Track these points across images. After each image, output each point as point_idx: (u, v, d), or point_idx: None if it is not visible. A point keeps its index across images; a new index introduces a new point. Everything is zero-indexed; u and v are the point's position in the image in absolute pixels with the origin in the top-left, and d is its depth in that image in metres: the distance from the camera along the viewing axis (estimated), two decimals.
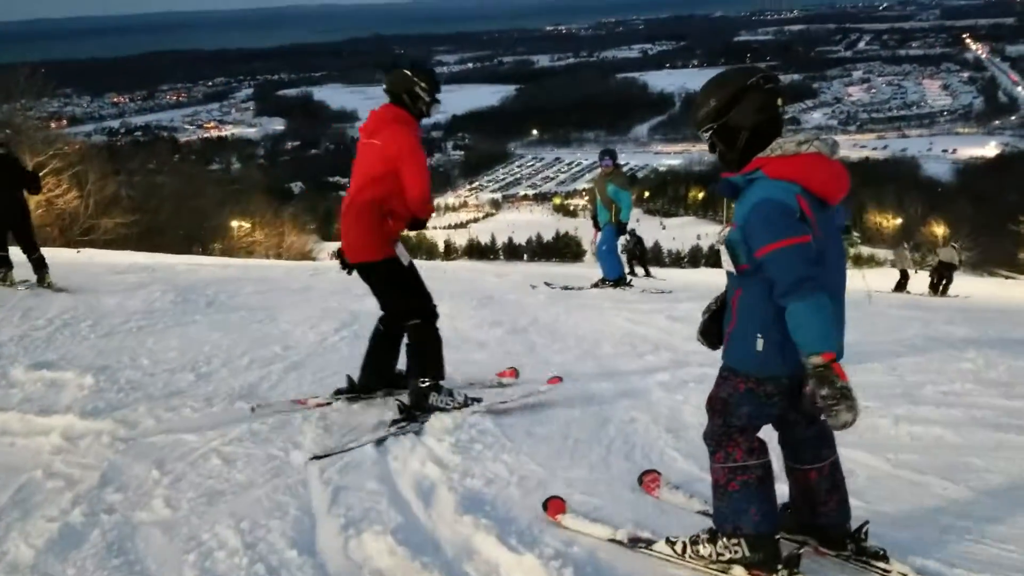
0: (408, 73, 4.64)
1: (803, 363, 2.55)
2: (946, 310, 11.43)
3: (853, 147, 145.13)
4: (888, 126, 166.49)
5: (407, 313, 4.84)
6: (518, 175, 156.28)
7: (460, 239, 78.52)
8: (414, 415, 4.54)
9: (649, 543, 3.14)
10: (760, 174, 2.66)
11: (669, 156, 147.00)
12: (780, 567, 2.78)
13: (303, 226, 56.04)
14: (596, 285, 11.66)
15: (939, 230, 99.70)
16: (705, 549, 2.93)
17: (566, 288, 11.69)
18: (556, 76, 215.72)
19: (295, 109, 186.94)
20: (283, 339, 6.68)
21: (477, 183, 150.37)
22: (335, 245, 48.03)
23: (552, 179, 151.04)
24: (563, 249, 68.84)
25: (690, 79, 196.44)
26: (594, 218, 11.91)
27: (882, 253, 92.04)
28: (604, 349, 6.63)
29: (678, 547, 3.03)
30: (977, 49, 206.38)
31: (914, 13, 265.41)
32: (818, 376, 2.51)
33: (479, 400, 4.86)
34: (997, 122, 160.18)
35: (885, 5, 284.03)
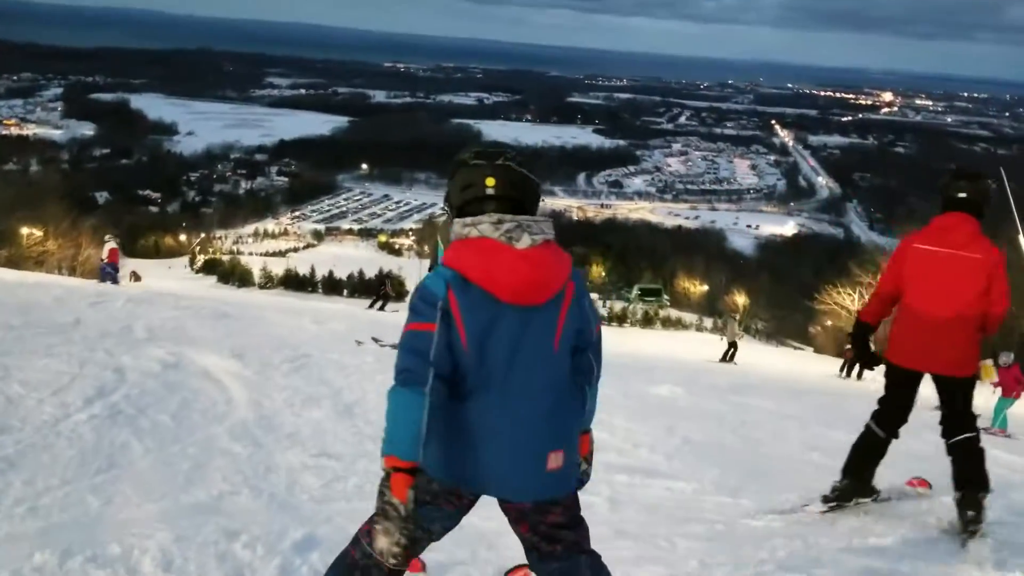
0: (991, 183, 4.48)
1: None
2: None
3: (668, 215, 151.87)
4: (701, 198, 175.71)
5: (965, 426, 4.35)
6: (344, 208, 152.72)
7: (278, 268, 74.87)
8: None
9: None
10: None
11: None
12: None
13: (103, 239, 51.10)
14: None
15: (740, 299, 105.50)
16: None
17: (396, 347, 10.08)
18: (391, 113, 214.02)
19: (108, 115, 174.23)
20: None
21: (300, 212, 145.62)
22: (137, 263, 44.03)
23: (379, 216, 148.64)
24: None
25: (523, 132, 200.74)
26: (431, 269, 10.42)
27: (688, 317, 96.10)
28: None
29: None
30: (784, 135, 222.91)
31: (731, 95, 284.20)
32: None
33: None
34: (796, 204, 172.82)
35: (705, 84, 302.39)
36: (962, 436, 4.33)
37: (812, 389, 14.80)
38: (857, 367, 20.02)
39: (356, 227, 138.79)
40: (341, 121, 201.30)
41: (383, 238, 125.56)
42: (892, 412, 4.47)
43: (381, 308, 24.20)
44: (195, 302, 13.91)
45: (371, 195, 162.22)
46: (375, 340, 10.34)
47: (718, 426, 7.15)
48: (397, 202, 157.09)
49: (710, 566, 3.62)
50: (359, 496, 4.08)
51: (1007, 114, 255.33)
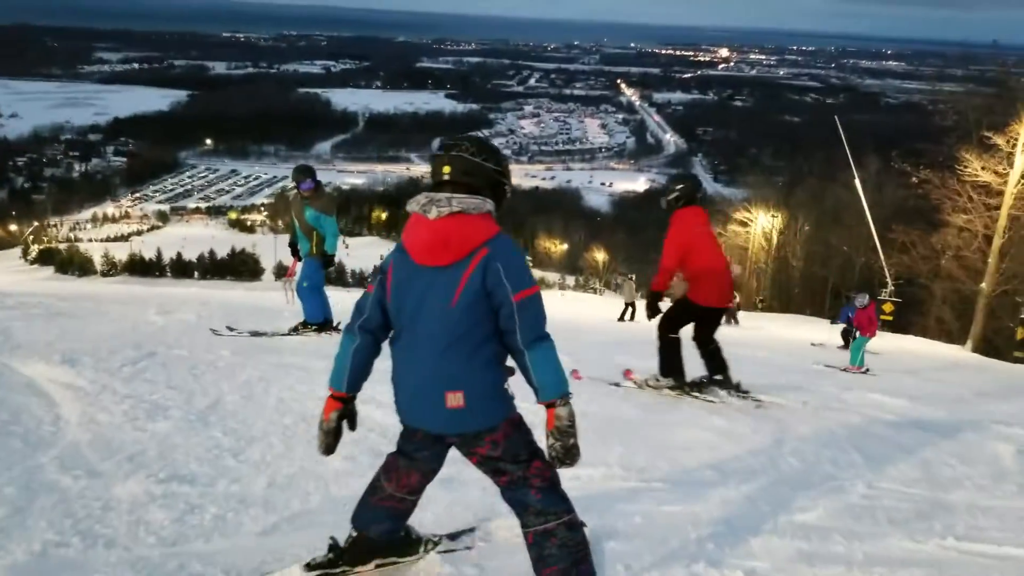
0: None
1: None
2: None
3: (525, 176, 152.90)
4: (555, 159, 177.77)
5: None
6: (189, 186, 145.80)
7: (121, 253, 70.52)
8: None
9: None
10: None
11: (352, 175, 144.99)
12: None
13: None
14: (295, 330, 9.37)
15: (600, 256, 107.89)
16: None
17: (256, 334, 9.27)
18: (233, 85, 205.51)
19: None
20: None
21: (141, 193, 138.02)
22: None
23: (227, 192, 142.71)
24: (239, 267, 63.89)
25: (374, 100, 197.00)
26: (292, 247, 9.63)
27: (550, 276, 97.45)
28: (331, 461, 4.42)
29: None
30: (630, 94, 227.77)
31: (577, 56, 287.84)
32: None
33: None
34: (645, 160, 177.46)
35: (552, 46, 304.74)
36: (716, 344, 6.85)
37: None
38: (630, 312, 24.78)
39: (204, 205, 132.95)
40: (179, 95, 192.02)
41: (233, 215, 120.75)
42: (678, 326, 6.74)
43: None
44: (24, 299, 12.52)
45: (217, 171, 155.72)
46: (230, 329, 9.47)
47: (612, 395, 6.77)
48: (246, 177, 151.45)
49: (637, 572, 3.19)
50: (219, 531, 3.42)
51: (833, 65, 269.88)
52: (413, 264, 2.72)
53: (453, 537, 3.36)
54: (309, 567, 3.00)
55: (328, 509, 3.70)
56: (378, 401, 5.73)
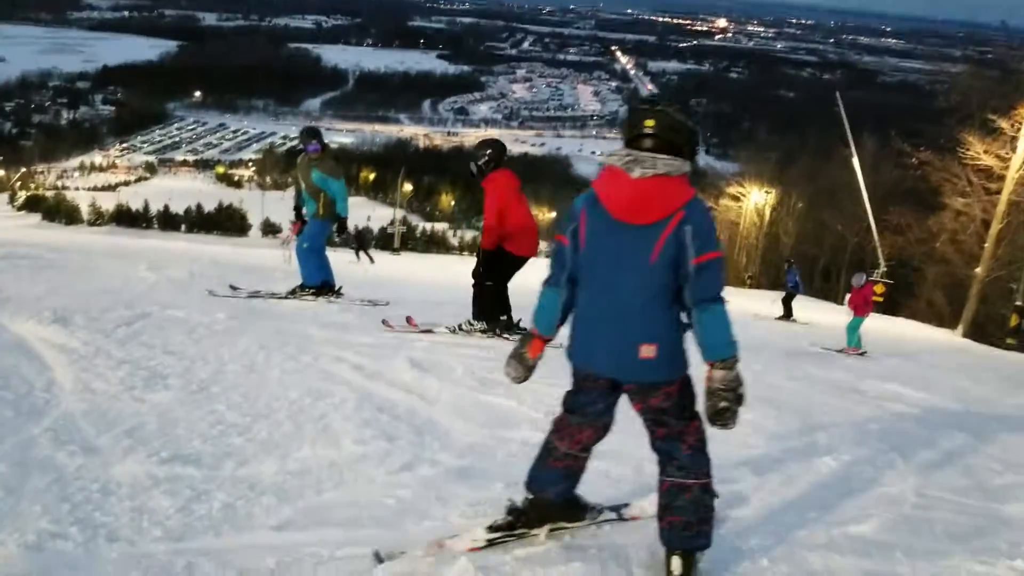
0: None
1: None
2: None
3: (515, 141, 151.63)
4: (546, 125, 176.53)
5: None
6: (177, 138, 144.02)
7: (108, 203, 69.52)
8: None
9: None
10: None
11: (342, 134, 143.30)
12: None
13: None
14: (293, 292, 9.06)
15: None
16: None
17: (254, 295, 8.95)
18: (224, 38, 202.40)
19: None
20: None
21: (129, 143, 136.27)
22: None
23: (215, 146, 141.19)
24: (226, 222, 63.16)
25: (365, 57, 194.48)
26: (296, 210, 9.32)
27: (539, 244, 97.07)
28: (344, 445, 4.12)
29: None
30: (624, 62, 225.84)
31: (573, 21, 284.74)
32: None
33: None
34: None
35: (548, 9, 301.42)
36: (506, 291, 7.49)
37: None
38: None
39: (191, 158, 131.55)
40: (169, 45, 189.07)
41: (221, 169, 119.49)
42: (495, 275, 7.34)
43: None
44: (11, 249, 12.14)
45: (205, 124, 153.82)
46: (232, 287, 9.16)
47: None
48: (234, 131, 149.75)
49: None
50: (229, 523, 3.12)
51: (831, 40, 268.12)
52: (611, 219, 2.80)
53: (615, 508, 3.43)
54: (491, 529, 3.12)
55: (343, 502, 3.40)
56: (387, 379, 5.45)
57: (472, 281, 7.57)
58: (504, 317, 7.57)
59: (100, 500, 3.17)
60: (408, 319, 7.75)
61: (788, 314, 21.61)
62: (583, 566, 2.99)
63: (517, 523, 3.14)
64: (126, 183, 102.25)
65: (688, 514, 2.86)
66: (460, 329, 7.51)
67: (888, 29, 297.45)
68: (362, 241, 12.39)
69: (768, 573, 3.09)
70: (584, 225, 2.86)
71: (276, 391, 4.91)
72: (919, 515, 3.96)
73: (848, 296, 15.76)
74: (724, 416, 2.72)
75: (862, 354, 13.20)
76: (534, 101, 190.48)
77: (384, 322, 7.53)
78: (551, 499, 3.14)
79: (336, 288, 9.24)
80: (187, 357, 5.50)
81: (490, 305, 7.51)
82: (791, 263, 24.32)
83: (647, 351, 2.78)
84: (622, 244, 2.79)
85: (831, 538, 3.50)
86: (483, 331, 7.47)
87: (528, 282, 4.55)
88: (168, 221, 62.81)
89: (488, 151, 7.39)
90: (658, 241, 2.73)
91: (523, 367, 3.09)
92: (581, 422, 3.05)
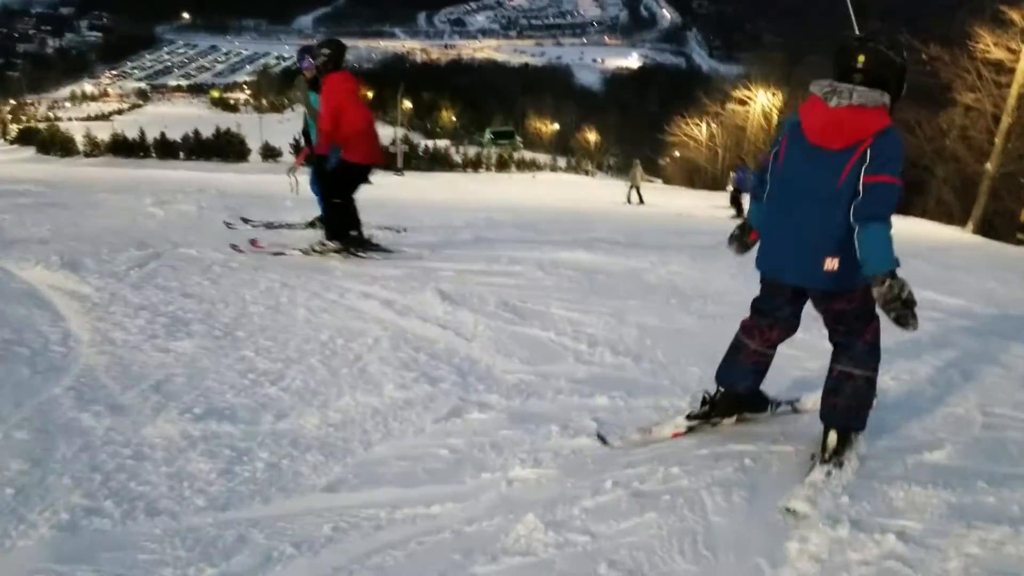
0: None
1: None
2: None
3: (515, 52, 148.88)
4: (546, 33, 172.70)
5: None
6: (168, 63, 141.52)
7: (103, 133, 68.55)
8: None
9: None
10: None
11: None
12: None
13: None
14: (312, 224, 8.80)
15: (591, 136, 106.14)
16: None
17: (271, 226, 8.70)
18: None
19: None
20: None
21: (120, 70, 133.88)
22: None
23: (208, 69, 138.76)
24: (225, 148, 62.37)
25: None
26: (305, 134, 8.94)
27: (541, 157, 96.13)
28: (385, 390, 3.88)
29: None
30: None
31: None
32: None
33: None
34: (639, 35, 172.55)
35: None
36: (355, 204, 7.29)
37: (710, 228, 14.13)
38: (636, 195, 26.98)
39: (184, 83, 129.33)
40: None
41: (215, 93, 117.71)
42: (342, 189, 7.08)
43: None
44: (8, 186, 11.84)
45: (196, 47, 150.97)
46: (244, 220, 8.90)
47: (665, 303, 6.23)
48: (226, 53, 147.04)
49: (777, 560, 2.71)
50: (277, 486, 2.90)
51: None
52: (807, 142, 3.07)
53: (790, 402, 3.82)
54: (689, 417, 3.52)
55: (393, 455, 3.17)
56: (419, 314, 5.21)
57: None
58: (355, 233, 7.31)
59: (134, 467, 2.94)
60: (253, 242, 7.40)
61: (739, 212, 22.52)
62: (657, 516, 2.79)
63: (712, 413, 3.53)
64: (119, 111, 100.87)
65: (850, 400, 3.20)
66: (314, 250, 7.11)
67: None
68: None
69: (852, 511, 2.88)
70: (784, 147, 3.19)
71: (305, 332, 4.67)
72: (991, 437, 3.74)
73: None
74: (902, 324, 2.88)
75: None
76: (532, 8, 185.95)
77: (233, 246, 7.09)
78: (740, 392, 3.51)
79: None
80: (207, 299, 5.25)
81: (339, 223, 7.18)
82: (742, 161, 26.11)
83: (830, 264, 3.03)
84: (814, 167, 3.04)
85: (907, 468, 3.28)
86: (336, 250, 7.11)
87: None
88: (166, 149, 62.07)
89: (325, 50, 7.06)
90: (846, 166, 2.95)
91: (743, 246, 3.54)
92: (771, 324, 3.40)
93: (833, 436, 3.20)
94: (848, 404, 3.19)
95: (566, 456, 3.23)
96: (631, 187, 27.56)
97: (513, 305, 5.53)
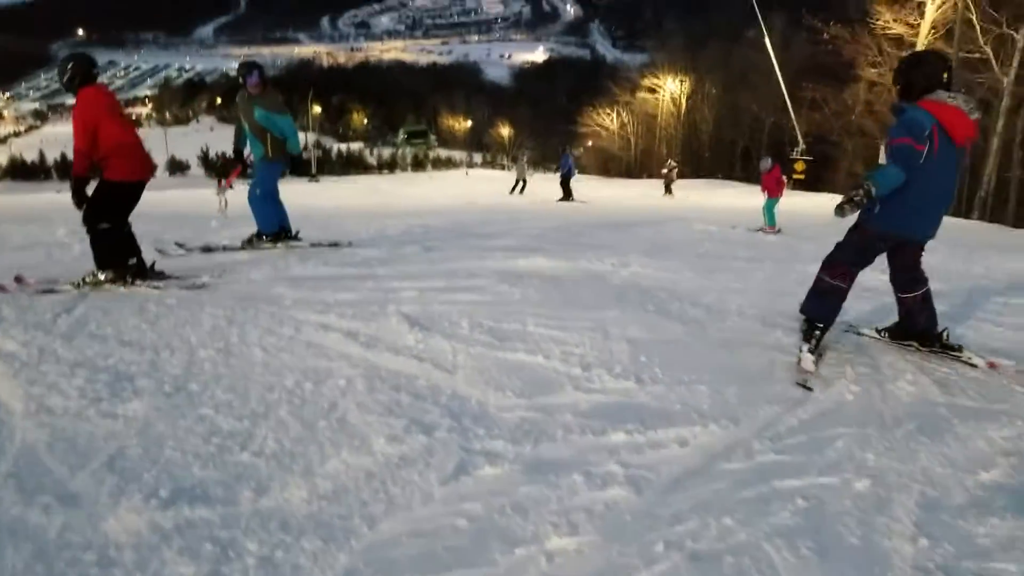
0: None
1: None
2: None
3: (421, 52, 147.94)
4: (451, 32, 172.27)
5: None
6: None
7: (0, 157, 65.41)
8: None
9: None
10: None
11: (239, 60, 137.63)
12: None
13: None
14: (249, 242, 8.25)
15: (505, 131, 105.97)
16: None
17: (207, 250, 8.12)
18: None
19: None
20: None
21: (14, 91, 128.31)
22: None
23: (108, 85, 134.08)
24: None
25: None
26: (237, 152, 8.38)
27: (457, 155, 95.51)
28: (375, 446, 3.41)
29: None
30: None
31: None
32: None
33: None
34: (543, 29, 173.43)
35: None
36: (129, 227, 6.46)
37: (655, 217, 13.93)
38: (520, 186, 29.29)
39: None
40: None
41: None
42: (107, 214, 6.23)
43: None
44: None
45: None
46: (178, 245, 8.33)
47: (643, 311, 5.88)
48: (125, 67, 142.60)
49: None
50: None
51: None
52: (953, 143, 4.44)
53: (876, 328, 5.29)
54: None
55: (404, 531, 2.73)
56: (389, 346, 4.74)
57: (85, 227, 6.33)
58: (134, 260, 6.44)
59: None
60: (17, 278, 6.42)
61: (568, 195, 24.93)
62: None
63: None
64: (16, 134, 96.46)
65: (921, 301, 4.87)
66: (84, 283, 6.26)
67: None
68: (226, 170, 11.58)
69: (936, 556, 2.57)
70: (936, 141, 4.35)
71: (266, 379, 4.17)
72: None
73: (762, 180, 16.22)
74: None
75: (777, 232, 14.10)
76: (435, 8, 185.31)
77: (1, 287, 6.11)
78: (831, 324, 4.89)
79: (295, 233, 8.46)
80: (148, 347, 4.68)
81: (109, 250, 6.31)
82: (565, 149, 28.55)
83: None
84: (954, 159, 4.50)
85: (970, 493, 3.00)
86: (111, 280, 6.28)
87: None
88: (68, 171, 59.47)
89: (71, 66, 6.23)
90: (962, 159, 4.64)
91: (855, 210, 4.45)
92: (862, 269, 4.80)
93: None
94: (922, 306, 4.81)
95: (601, 515, 2.84)
96: (518, 179, 30.11)
97: (488, 326, 5.11)
